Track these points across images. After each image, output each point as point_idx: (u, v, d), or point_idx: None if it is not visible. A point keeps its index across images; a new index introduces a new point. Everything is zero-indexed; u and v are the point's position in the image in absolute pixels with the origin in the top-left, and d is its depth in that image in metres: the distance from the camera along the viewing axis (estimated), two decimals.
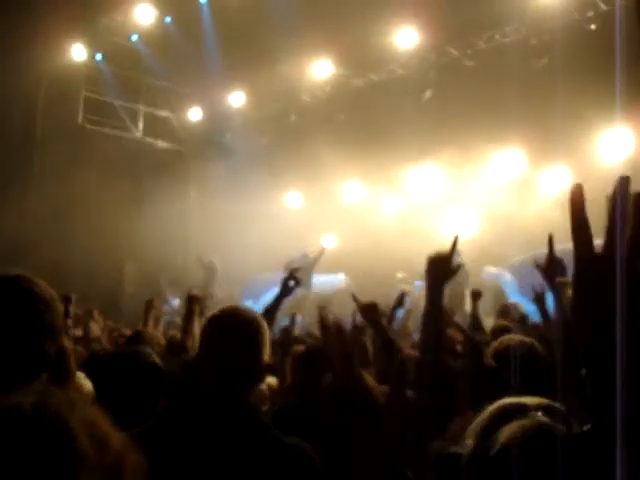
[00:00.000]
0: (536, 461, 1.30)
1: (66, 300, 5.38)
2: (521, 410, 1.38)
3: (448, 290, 2.55)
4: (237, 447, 1.92)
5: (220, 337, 2.11)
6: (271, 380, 4.37)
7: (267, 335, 2.12)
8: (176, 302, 14.97)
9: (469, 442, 1.40)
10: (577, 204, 1.04)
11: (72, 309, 5.54)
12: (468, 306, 8.10)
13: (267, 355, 2.11)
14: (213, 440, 1.94)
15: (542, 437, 1.33)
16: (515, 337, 3.06)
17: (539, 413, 1.38)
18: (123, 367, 2.85)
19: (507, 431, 1.34)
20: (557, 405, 1.43)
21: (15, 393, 0.83)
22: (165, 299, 14.72)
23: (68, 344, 2.90)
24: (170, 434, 1.96)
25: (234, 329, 2.10)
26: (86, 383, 3.30)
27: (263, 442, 1.96)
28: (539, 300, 4.57)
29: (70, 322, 5.63)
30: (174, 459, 1.84)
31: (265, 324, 2.16)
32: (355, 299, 4.09)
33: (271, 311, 3.68)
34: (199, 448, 1.89)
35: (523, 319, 5.47)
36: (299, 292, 15.30)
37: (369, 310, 4.01)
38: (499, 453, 1.31)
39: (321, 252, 15.25)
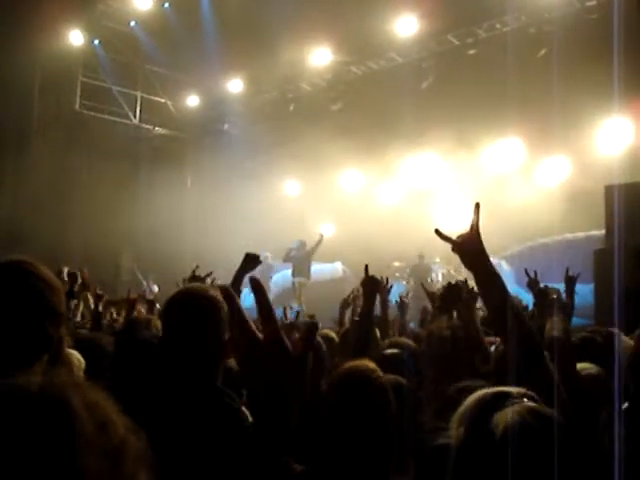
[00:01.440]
0: (537, 444, 1.34)
1: (72, 278, 5.37)
2: (505, 398, 1.40)
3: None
4: (203, 430, 1.93)
5: (176, 316, 2.12)
6: None
7: (225, 312, 2.11)
8: (155, 288, 15.10)
9: (459, 431, 1.40)
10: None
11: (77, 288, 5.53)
12: None
13: (225, 332, 2.11)
14: (180, 423, 1.95)
15: (539, 421, 1.36)
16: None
17: (524, 400, 1.40)
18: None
19: (502, 417, 1.35)
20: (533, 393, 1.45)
21: (21, 373, 0.83)
22: (140, 285, 14.85)
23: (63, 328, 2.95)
24: (138, 417, 1.97)
25: (190, 307, 2.11)
26: (80, 360, 3.34)
27: (229, 425, 1.96)
28: (534, 286, 4.65)
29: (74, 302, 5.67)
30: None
31: (222, 301, 2.15)
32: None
33: (234, 288, 3.65)
34: (165, 431, 1.90)
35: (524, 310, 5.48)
36: (296, 280, 15.43)
37: (370, 282, 4.00)
38: (502, 438, 1.32)
39: (320, 240, 15.22)
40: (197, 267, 5.01)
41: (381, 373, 2.74)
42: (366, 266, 4.09)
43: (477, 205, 2.41)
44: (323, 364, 3.65)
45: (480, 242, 2.33)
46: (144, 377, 2.62)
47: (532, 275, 4.98)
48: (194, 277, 4.58)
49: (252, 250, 4.02)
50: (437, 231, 2.43)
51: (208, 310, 2.09)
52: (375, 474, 2.45)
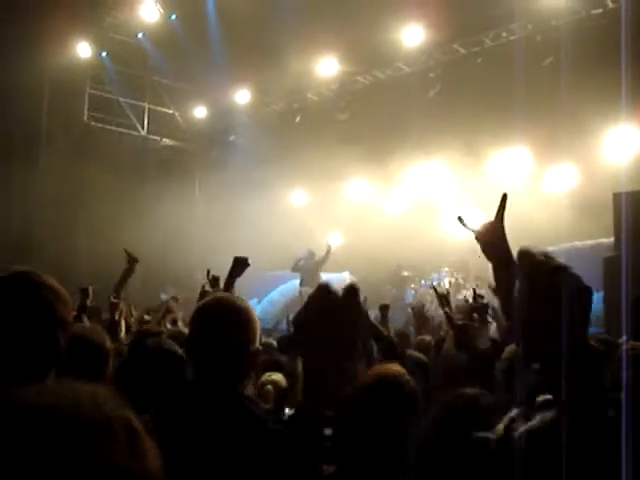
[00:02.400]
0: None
1: (84, 293, 5.38)
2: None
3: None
4: (227, 437, 1.94)
5: (208, 324, 2.12)
6: (278, 377, 4.34)
7: (256, 323, 2.12)
8: (163, 296, 15.12)
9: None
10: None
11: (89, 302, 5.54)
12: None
13: (256, 343, 2.11)
14: (205, 431, 1.95)
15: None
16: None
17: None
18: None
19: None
20: None
21: (34, 384, 0.82)
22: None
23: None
24: (164, 426, 1.98)
25: (222, 316, 2.11)
26: None
27: (253, 433, 1.97)
28: None
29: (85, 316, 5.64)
30: (166, 451, 1.85)
31: (254, 312, 2.16)
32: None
33: (225, 292, 3.66)
34: (191, 439, 1.91)
35: None
36: (304, 290, 15.41)
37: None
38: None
39: (329, 250, 15.22)
40: (209, 271, 5.00)
41: (410, 378, 2.75)
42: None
43: (504, 195, 2.39)
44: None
45: (502, 231, 2.31)
46: (162, 385, 2.63)
47: None
48: (214, 279, 4.58)
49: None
50: (459, 218, 2.40)
51: (236, 319, 2.09)
52: (396, 474, 2.48)
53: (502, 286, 2.26)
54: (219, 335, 2.07)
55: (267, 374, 4.36)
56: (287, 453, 1.98)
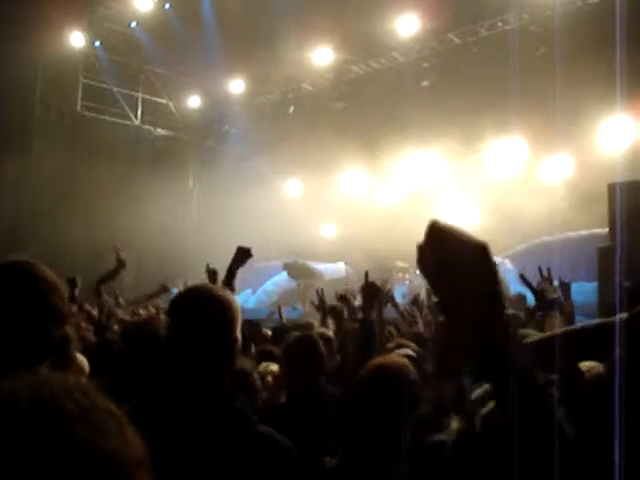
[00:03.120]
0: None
1: (71, 283, 5.34)
2: None
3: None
4: (210, 434, 1.91)
5: (187, 314, 2.06)
6: (272, 367, 4.33)
7: (235, 311, 2.08)
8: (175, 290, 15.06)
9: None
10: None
11: (77, 292, 5.50)
12: None
13: (236, 332, 2.07)
14: (186, 426, 1.92)
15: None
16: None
17: None
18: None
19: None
20: None
21: (10, 378, 0.80)
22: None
23: (70, 330, 2.94)
24: (144, 420, 1.95)
25: (201, 305, 2.05)
26: (85, 363, 3.33)
27: (236, 429, 1.94)
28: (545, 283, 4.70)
29: (75, 306, 5.62)
30: (147, 447, 1.83)
31: (236, 301, 2.12)
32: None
33: (227, 283, 3.63)
34: (172, 434, 1.87)
35: (529, 310, 5.44)
36: (302, 281, 15.45)
37: (370, 289, 3.97)
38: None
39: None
40: (208, 265, 4.96)
41: (413, 369, 2.75)
42: (366, 273, 4.05)
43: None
44: (322, 363, 3.62)
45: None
46: (147, 378, 2.59)
47: (545, 273, 4.95)
48: (212, 272, 4.54)
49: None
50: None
51: (215, 309, 2.05)
52: (392, 463, 2.49)
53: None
54: (196, 325, 2.01)
55: (264, 364, 4.35)
56: (273, 451, 1.95)
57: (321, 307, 5.53)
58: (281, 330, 5.39)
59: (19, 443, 0.73)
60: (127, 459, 0.80)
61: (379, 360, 2.79)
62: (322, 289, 5.79)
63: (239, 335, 2.08)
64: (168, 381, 2.05)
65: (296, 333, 4.06)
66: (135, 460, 0.81)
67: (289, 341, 3.84)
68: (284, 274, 16.33)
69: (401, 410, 2.55)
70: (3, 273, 1.78)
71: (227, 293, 2.14)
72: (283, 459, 1.96)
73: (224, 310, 2.05)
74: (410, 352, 3.76)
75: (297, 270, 15.53)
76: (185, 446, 1.88)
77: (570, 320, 4.73)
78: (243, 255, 3.71)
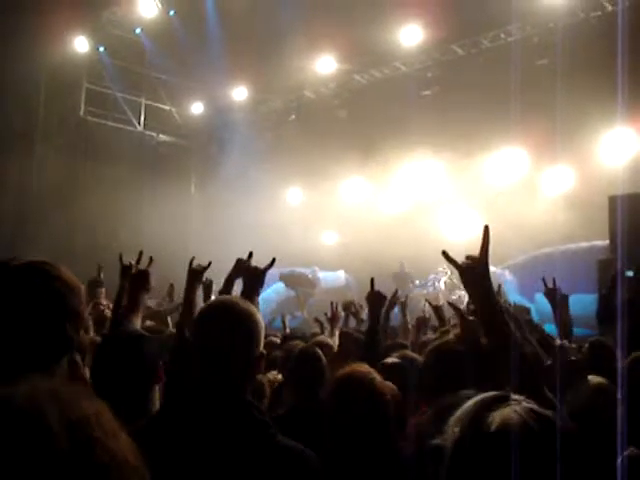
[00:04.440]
0: (535, 442, 1.34)
1: (94, 284, 5.33)
2: (504, 400, 1.40)
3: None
4: (232, 446, 1.91)
5: (214, 328, 2.07)
6: (274, 376, 4.34)
7: (260, 325, 2.09)
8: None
9: (454, 430, 1.41)
10: None
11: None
12: None
13: (260, 346, 2.09)
14: (209, 438, 1.93)
15: (538, 420, 1.37)
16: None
17: (523, 403, 1.40)
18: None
19: (499, 415, 1.36)
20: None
21: (39, 376, 0.82)
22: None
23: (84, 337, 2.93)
24: (167, 432, 1.96)
25: (227, 319, 2.06)
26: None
27: (258, 441, 1.95)
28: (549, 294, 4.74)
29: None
30: (170, 458, 1.84)
31: (259, 315, 2.13)
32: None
33: (224, 293, 3.65)
34: (195, 446, 1.89)
35: (529, 322, 5.44)
36: (301, 290, 15.47)
37: (375, 297, 3.99)
38: (497, 434, 1.33)
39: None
40: (192, 260, 4.93)
41: (377, 376, 2.80)
42: (372, 280, 4.06)
43: (486, 228, 2.26)
44: (323, 377, 3.61)
45: (486, 269, 2.24)
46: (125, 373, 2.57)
47: (550, 284, 4.94)
48: (207, 286, 4.56)
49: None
50: (444, 253, 2.37)
51: (239, 322, 2.06)
52: (374, 464, 2.56)
53: (483, 318, 2.27)
54: (222, 340, 2.02)
55: (273, 373, 4.36)
56: (295, 462, 1.96)
57: (332, 319, 5.54)
58: (286, 339, 5.43)
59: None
60: (120, 471, 0.81)
61: (340, 372, 2.84)
62: (337, 303, 5.78)
63: (263, 350, 2.10)
64: (191, 393, 2.06)
65: (299, 343, 4.08)
66: (130, 472, 0.82)
67: (291, 353, 3.85)
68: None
69: (365, 420, 2.62)
70: (21, 272, 1.79)
71: (253, 308, 2.15)
72: (305, 470, 1.97)
73: (251, 324, 2.06)
74: (396, 360, 3.79)
75: (294, 280, 15.57)
76: (207, 458, 1.89)
77: (567, 332, 4.74)
78: (242, 267, 3.74)
